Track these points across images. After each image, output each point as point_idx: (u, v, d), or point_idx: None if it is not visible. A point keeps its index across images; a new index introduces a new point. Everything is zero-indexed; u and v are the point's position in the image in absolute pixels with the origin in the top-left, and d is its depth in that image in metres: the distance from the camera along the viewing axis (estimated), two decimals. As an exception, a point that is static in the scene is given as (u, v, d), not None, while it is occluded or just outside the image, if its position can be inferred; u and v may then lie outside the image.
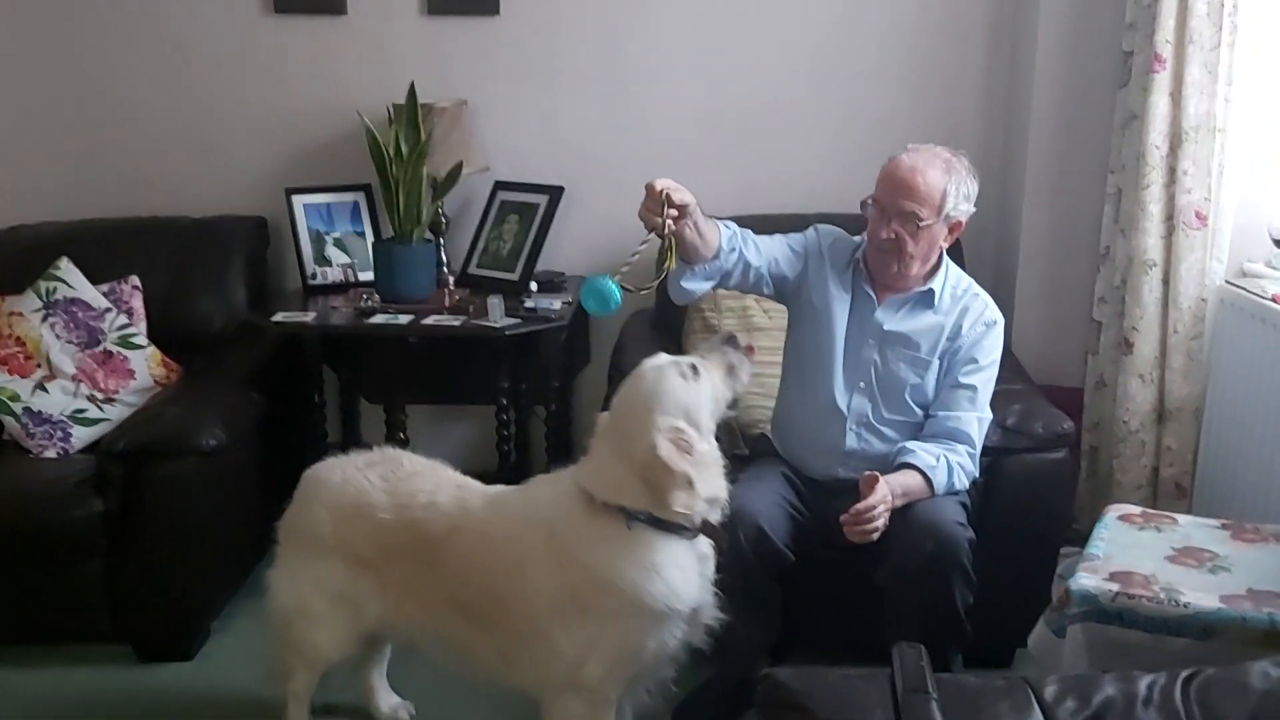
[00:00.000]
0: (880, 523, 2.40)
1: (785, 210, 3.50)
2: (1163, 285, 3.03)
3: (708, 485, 2.18)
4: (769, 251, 2.66)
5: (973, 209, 2.60)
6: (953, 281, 2.67)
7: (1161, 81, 2.94)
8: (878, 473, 2.43)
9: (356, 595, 2.38)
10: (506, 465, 3.49)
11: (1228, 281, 3.02)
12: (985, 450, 2.66)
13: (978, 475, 2.61)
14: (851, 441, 2.64)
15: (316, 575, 2.40)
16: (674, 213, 2.34)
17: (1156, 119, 2.95)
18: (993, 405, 2.68)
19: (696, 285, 2.56)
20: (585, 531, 2.19)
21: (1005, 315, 3.33)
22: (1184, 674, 1.57)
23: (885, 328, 2.63)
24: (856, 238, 2.75)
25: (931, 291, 2.63)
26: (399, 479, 2.38)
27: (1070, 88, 3.31)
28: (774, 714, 1.54)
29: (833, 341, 2.66)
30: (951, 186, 2.53)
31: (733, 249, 2.56)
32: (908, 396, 2.63)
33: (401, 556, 2.33)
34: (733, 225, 2.60)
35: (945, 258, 2.67)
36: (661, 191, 2.32)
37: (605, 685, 2.24)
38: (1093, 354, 3.29)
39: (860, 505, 2.39)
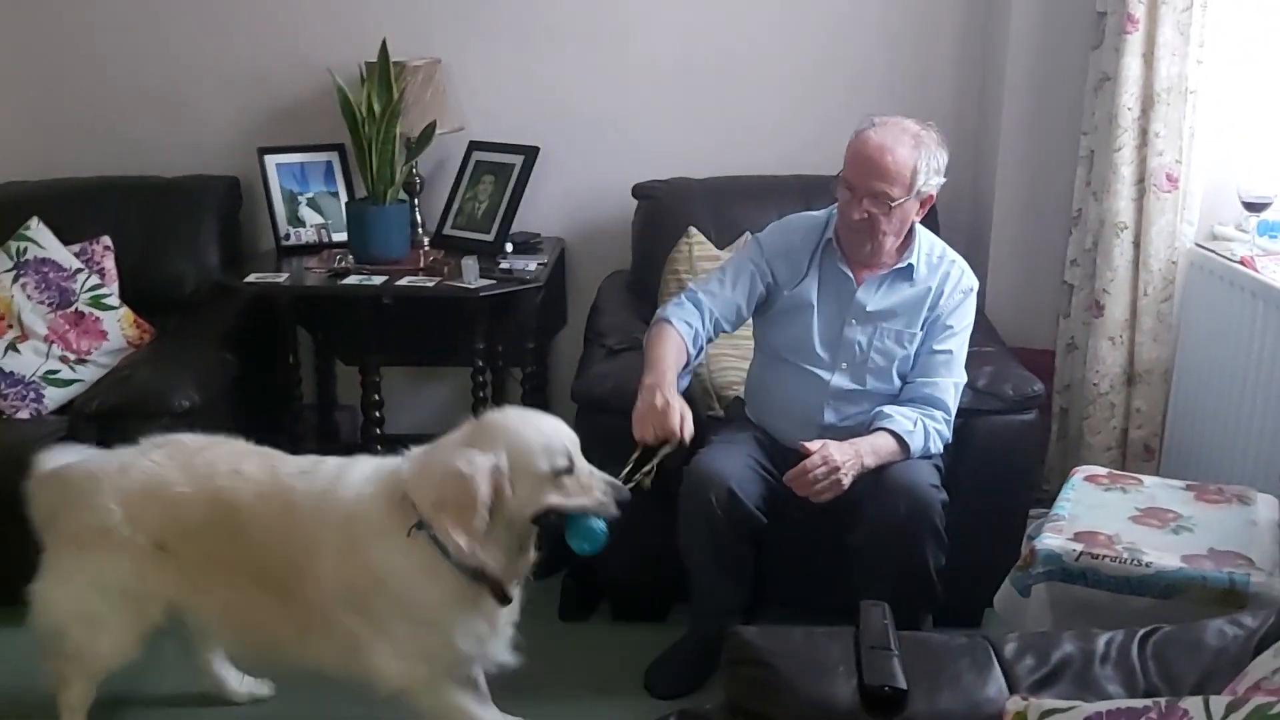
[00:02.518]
0: (834, 479, 2.41)
1: (761, 171, 3.51)
2: (1134, 248, 3.05)
3: (480, 536, 2.05)
4: (730, 305, 2.65)
5: (943, 180, 2.58)
6: (926, 249, 2.66)
7: (1134, 43, 2.94)
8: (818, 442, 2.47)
9: (144, 588, 2.29)
10: (482, 426, 3.50)
11: (1198, 244, 3.04)
12: (956, 412, 2.68)
13: (950, 440, 2.63)
14: (829, 416, 2.64)
15: (96, 575, 2.29)
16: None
17: (1129, 80, 2.96)
18: (965, 368, 2.70)
19: (680, 385, 2.56)
20: (377, 524, 2.12)
21: (979, 278, 3.35)
22: (1141, 632, 1.61)
23: (869, 308, 2.62)
24: (817, 213, 2.73)
25: (910, 266, 2.62)
26: (189, 454, 2.30)
27: (1044, 48, 3.30)
28: (739, 670, 1.58)
29: (809, 329, 2.66)
30: (922, 162, 2.50)
31: (699, 349, 2.64)
32: (894, 370, 2.64)
33: (203, 532, 2.24)
34: (692, 319, 2.60)
35: (916, 226, 2.66)
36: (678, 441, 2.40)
37: (413, 681, 2.20)
38: (1064, 316, 3.31)
39: (796, 469, 2.43)
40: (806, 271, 2.67)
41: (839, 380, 2.64)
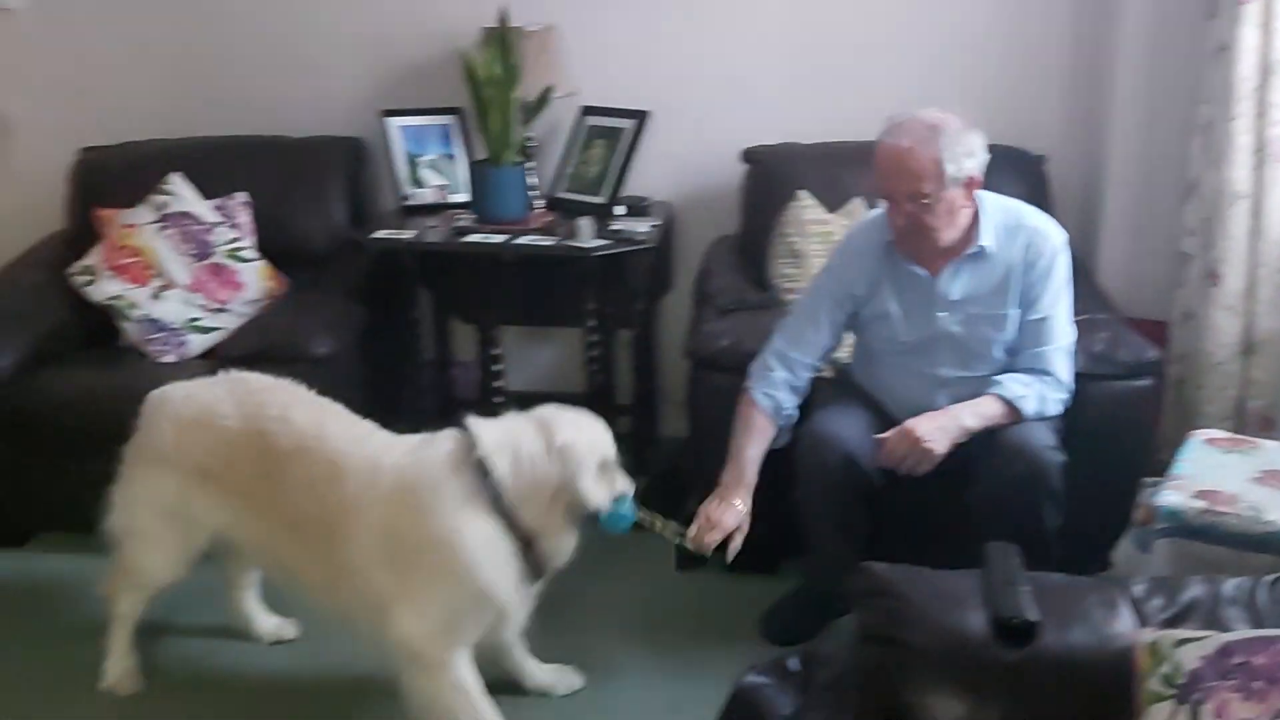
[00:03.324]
0: (922, 450, 2.48)
1: (871, 137, 3.51)
2: (1251, 217, 3.03)
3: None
4: (817, 346, 2.71)
5: (983, 158, 2.54)
6: (1000, 220, 2.61)
7: (1251, 13, 2.91)
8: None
9: (192, 510, 2.43)
10: (593, 386, 3.60)
11: (1319, 214, 3.01)
12: (1072, 372, 2.65)
13: (1069, 403, 2.62)
14: (943, 402, 2.63)
15: (152, 492, 2.46)
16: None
17: (1246, 50, 2.93)
18: (1078, 333, 2.69)
19: (781, 441, 2.69)
20: (443, 488, 2.21)
21: (1091, 247, 3.35)
22: (1270, 577, 1.64)
23: (953, 297, 2.61)
24: (872, 217, 2.73)
25: (984, 248, 2.59)
26: (247, 392, 2.44)
27: (1160, 16, 3.27)
28: (871, 600, 1.64)
29: (895, 333, 2.67)
30: (944, 151, 2.46)
31: (789, 418, 2.70)
32: (996, 352, 2.64)
33: (242, 468, 2.38)
34: (775, 390, 2.67)
35: (981, 201, 2.60)
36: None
37: (435, 649, 2.25)
38: (1179, 286, 3.29)
39: (881, 454, 2.53)
40: (879, 281, 2.67)
41: (945, 371, 2.65)
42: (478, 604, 2.25)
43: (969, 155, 2.50)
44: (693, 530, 2.54)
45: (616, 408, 3.76)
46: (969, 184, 2.53)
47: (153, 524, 2.48)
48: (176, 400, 2.48)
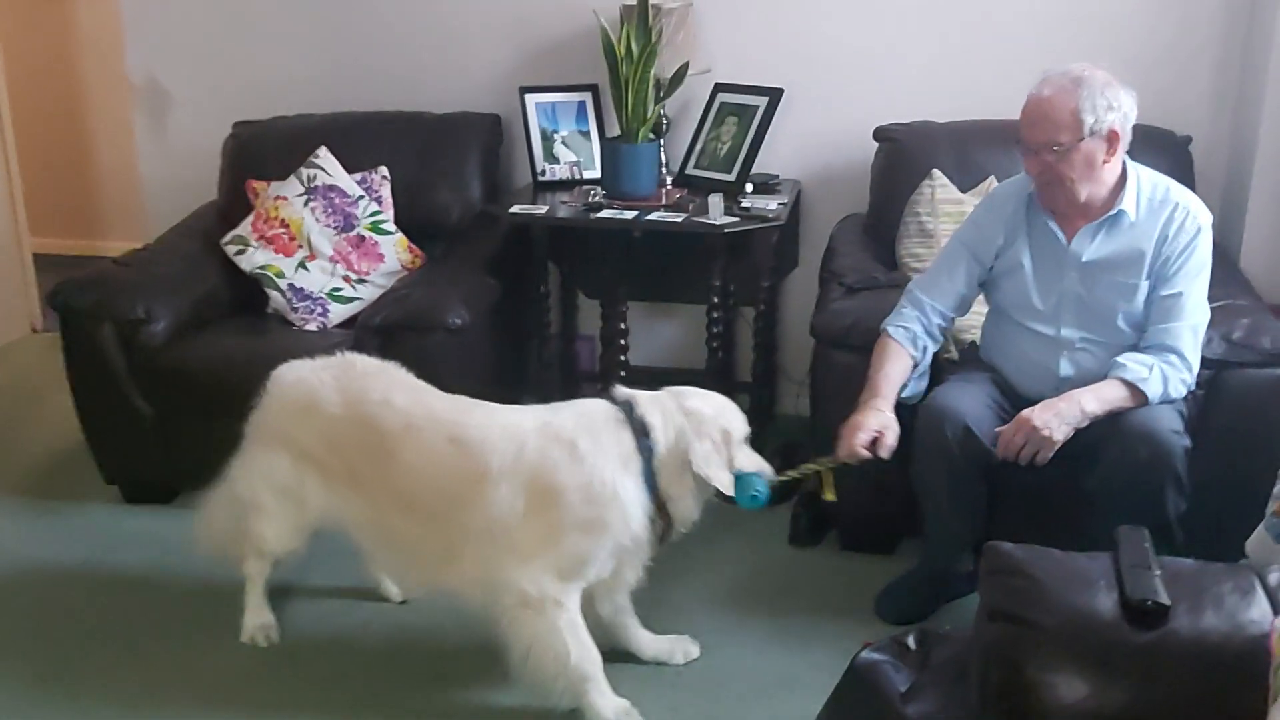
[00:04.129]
0: (1040, 439, 2.47)
1: (1006, 115, 3.46)
2: None
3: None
4: (953, 295, 2.75)
5: (1129, 115, 2.51)
6: (1147, 193, 2.59)
7: None
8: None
9: (300, 490, 2.53)
10: (714, 362, 3.63)
11: None
12: (1207, 363, 2.63)
13: (1194, 386, 2.58)
14: (1066, 369, 2.64)
15: (266, 469, 2.56)
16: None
17: None
18: (1218, 319, 2.65)
19: (916, 388, 2.73)
20: (602, 442, 2.32)
21: (1234, 231, 3.25)
22: None
23: (1084, 259, 2.60)
24: (1023, 175, 2.71)
25: (1123, 212, 2.57)
26: (350, 379, 2.51)
27: (1320, -7, 3.16)
28: (1000, 579, 1.65)
29: (1026, 287, 2.67)
30: (1085, 101, 2.46)
31: (923, 349, 2.72)
32: (1120, 321, 2.61)
33: (348, 451, 2.46)
34: (910, 324, 2.72)
35: (1131, 170, 2.59)
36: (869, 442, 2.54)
37: (556, 590, 2.31)
38: (1327, 272, 3.19)
39: (999, 445, 2.53)
40: (1016, 233, 2.68)
41: (1067, 333, 2.64)
42: (613, 554, 2.35)
43: (1110, 109, 2.49)
44: (840, 450, 2.55)
45: (736, 384, 3.80)
46: (1110, 138, 2.51)
47: (269, 498, 2.58)
48: (286, 383, 2.58)
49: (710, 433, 2.37)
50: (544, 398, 2.55)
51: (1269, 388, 2.72)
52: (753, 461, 2.44)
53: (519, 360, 3.67)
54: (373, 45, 3.91)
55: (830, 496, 2.57)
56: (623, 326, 3.63)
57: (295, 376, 2.59)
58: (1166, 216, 2.57)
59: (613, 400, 2.41)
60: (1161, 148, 3.20)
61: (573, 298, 3.96)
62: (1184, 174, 3.20)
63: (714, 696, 2.53)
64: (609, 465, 2.30)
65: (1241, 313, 2.80)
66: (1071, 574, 1.64)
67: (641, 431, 2.34)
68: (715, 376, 3.64)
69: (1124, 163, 2.59)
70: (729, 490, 2.38)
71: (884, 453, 2.54)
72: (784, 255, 3.70)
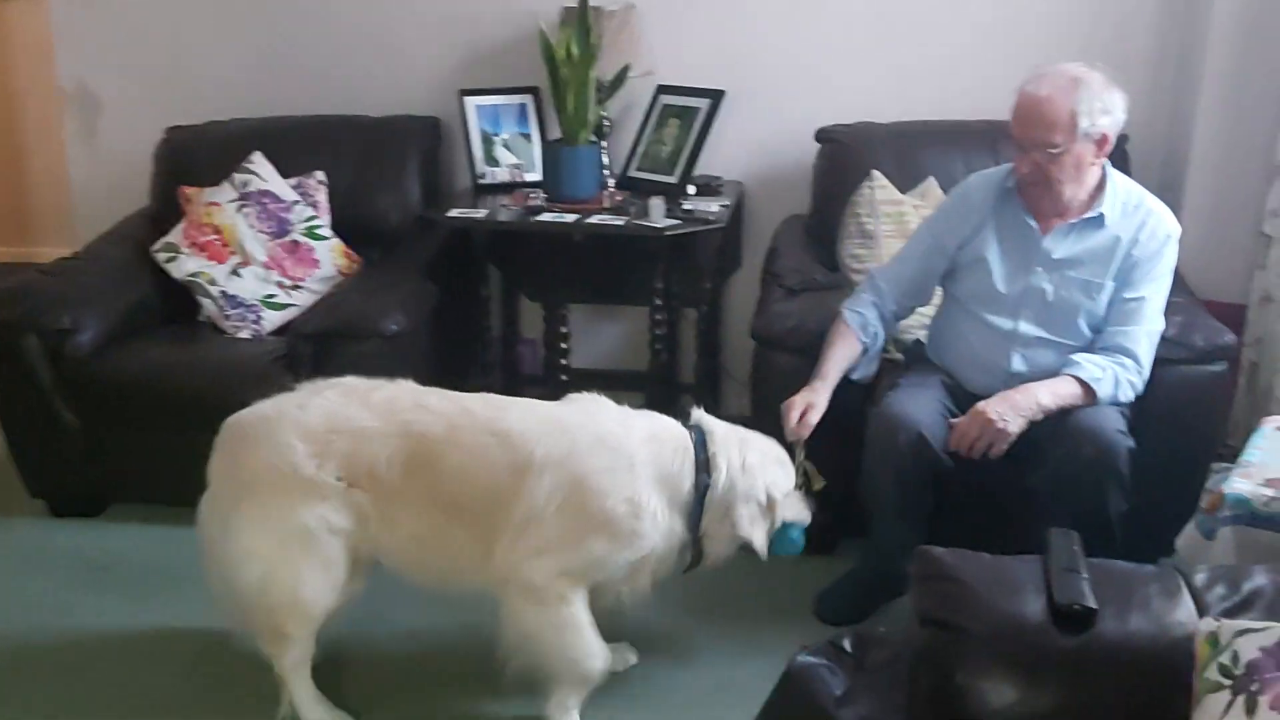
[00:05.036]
0: (996, 431, 2.48)
1: (948, 116, 3.49)
2: (1339, 200, 2.96)
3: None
4: (913, 284, 2.78)
5: (1120, 119, 2.54)
6: (1122, 197, 2.62)
7: (1351, -13, 2.83)
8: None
9: (332, 525, 2.26)
10: (658, 365, 3.62)
11: None
12: (1152, 361, 2.63)
13: (1142, 391, 2.60)
14: (1017, 364, 2.65)
15: (286, 517, 2.25)
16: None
17: (1343, 27, 2.85)
18: (1159, 317, 2.67)
19: (867, 370, 2.75)
20: (661, 461, 2.31)
21: (1171, 228, 3.25)
22: (1338, 569, 1.61)
23: (1055, 255, 2.62)
24: (997, 169, 2.73)
25: (1101, 215, 2.59)
26: (365, 393, 2.34)
27: (1252, -8, 3.20)
28: (930, 584, 1.64)
29: (989, 279, 2.68)
30: (1081, 104, 2.47)
31: (875, 337, 2.75)
32: (1081, 321, 2.63)
33: (392, 466, 2.27)
34: (864, 308, 2.74)
35: (1110, 173, 2.62)
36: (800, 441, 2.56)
37: (559, 583, 2.28)
38: (1259, 269, 3.22)
39: (953, 437, 2.54)
40: (983, 224, 2.69)
41: (1025, 327, 2.64)
42: (631, 567, 2.32)
43: (1105, 112, 2.51)
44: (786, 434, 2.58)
45: (680, 386, 3.79)
46: (1100, 142, 2.54)
47: (301, 550, 2.27)
48: (292, 412, 2.31)
49: (759, 494, 2.37)
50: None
51: (1201, 385, 2.75)
52: (794, 511, 2.46)
53: (460, 365, 3.63)
54: (309, 48, 3.85)
55: (819, 485, 2.54)
56: (564, 330, 3.61)
57: (297, 404, 2.33)
58: (1139, 222, 2.60)
59: (688, 425, 2.40)
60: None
61: (515, 301, 3.93)
62: (1121, 172, 3.21)
63: (653, 706, 2.51)
64: (657, 489, 2.29)
65: (1176, 310, 2.82)
66: (1001, 578, 1.63)
67: (704, 468, 2.33)
68: (658, 378, 3.64)
69: (1103, 165, 2.61)
70: (764, 553, 2.42)
71: (803, 430, 2.55)
72: (726, 257, 3.69)
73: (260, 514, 2.27)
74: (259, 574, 2.27)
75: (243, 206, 3.43)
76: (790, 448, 2.54)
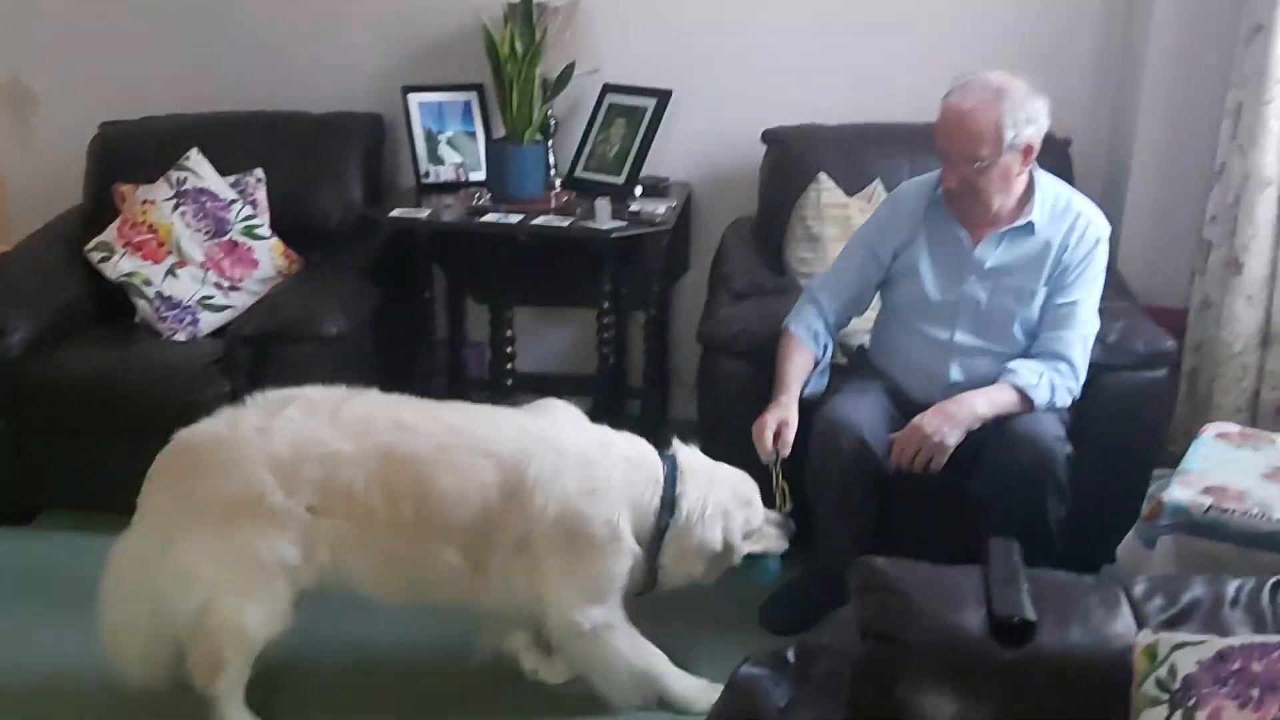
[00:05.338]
0: (934, 445, 2.49)
1: (893, 119, 3.48)
2: (1278, 205, 2.98)
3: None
4: (850, 296, 2.77)
5: (1044, 125, 2.53)
6: (1050, 200, 2.62)
7: (1289, -7, 2.85)
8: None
9: (298, 555, 2.20)
10: (605, 367, 3.59)
11: (1345, 203, 2.96)
12: (1088, 364, 2.64)
13: (1079, 395, 2.61)
14: (956, 374, 2.65)
15: (244, 547, 2.17)
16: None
17: (1283, 32, 2.88)
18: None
19: (817, 385, 2.73)
20: (632, 488, 2.33)
21: (1112, 233, 3.28)
22: (1273, 579, 1.62)
23: (987, 265, 2.62)
24: (927, 176, 2.73)
25: (1030, 224, 2.59)
26: (328, 410, 2.24)
27: (1192, -3, 3.22)
28: (871, 596, 1.63)
29: (922, 289, 2.67)
30: (1006, 116, 2.46)
31: (824, 346, 2.75)
32: (1016, 328, 2.63)
33: (370, 489, 2.20)
34: (813, 322, 2.74)
35: (1038, 178, 2.62)
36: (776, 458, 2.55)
37: (599, 615, 2.33)
38: (1199, 274, 3.25)
39: (893, 453, 2.55)
40: (915, 234, 2.68)
41: (961, 337, 2.65)
42: (628, 574, 2.35)
43: (1030, 122, 2.49)
44: (760, 453, 2.57)
45: (628, 390, 3.76)
46: (1026, 151, 2.53)
47: (250, 579, 2.20)
48: (255, 439, 2.20)
49: (714, 545, 2.38)
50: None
51: (1142, 391, 2.76)
52: (766, 542, 2.47)
53: (403, 368, 3.58)
54: (248, 42, 3.77)
55: (787, 507, 2.55)
56: (509, 333, 3.56)
57: (256, 426, 2.21)
58: (1069, 225, 2.60)
59: (664, 455, 2.42)
60: (1042, 150, 3.21)
61: (460, 302, 3.88)
62: (1063, 176, 3.19)
63: (595, 717, 2.49)
64: (627, 512, 2.31)
65: (1117, 315, 2.84)
66: (942, 589, 1.62)
67: (669, 506, 2.34)
68: (606, 382, 3.61)
69: (1030, 170, 2.60)
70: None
71: (783, 448, 2.54)
72: (674, 259, 3.67)
73: (212, 542, 2.19)
74: (200, 601, 2.20)
75: (179, 205, 3.36)
76: (766, 468, 2.55)
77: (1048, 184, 2.64)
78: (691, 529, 2.35)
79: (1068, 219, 2.60)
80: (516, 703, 2.52)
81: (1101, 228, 2.63)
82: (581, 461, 2.29)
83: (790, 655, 1.90)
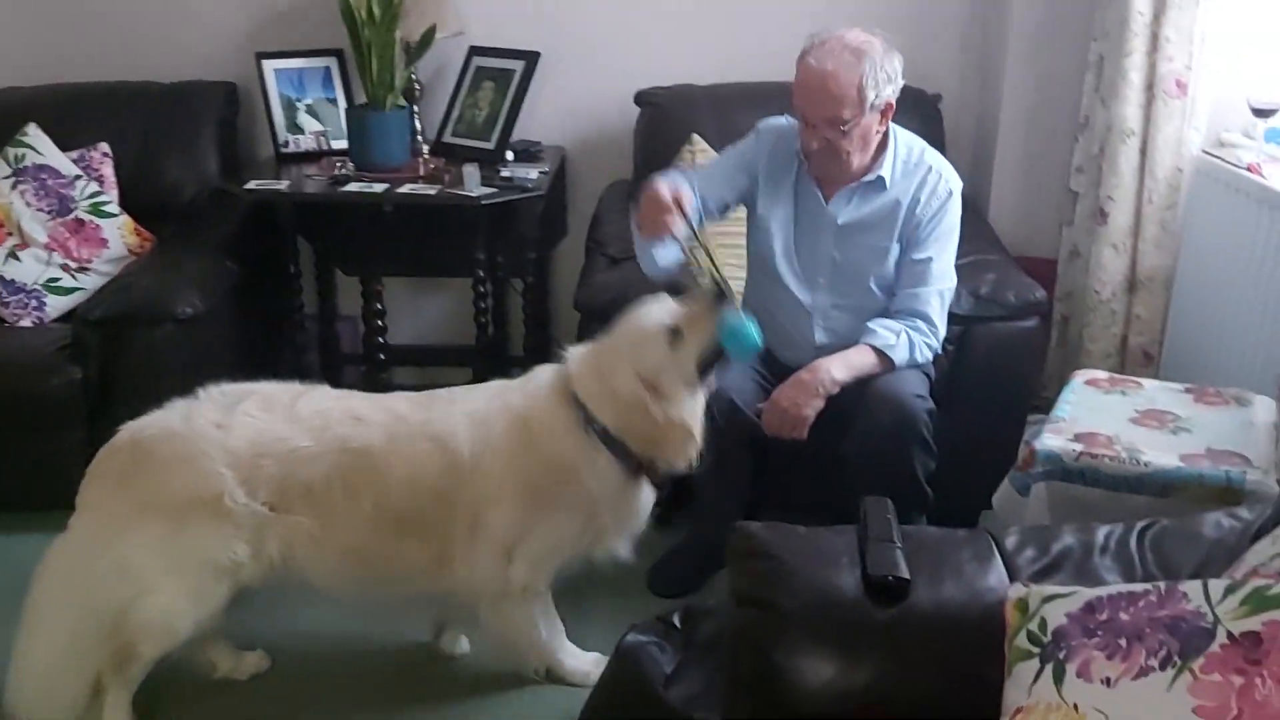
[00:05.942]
0: (795, 417, 2.47)
1: (766, 78, 3.45)
2: (1140, 155, 3.03)
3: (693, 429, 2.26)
4: (716, 192, 2.63)
5: (900, 84, 2.49)
6: (903, 156, 2.59)
7: (1145, -54, 2.89)
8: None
9: (248, 553, 2.15)
10: (485, 338, 3.51)
11: (1204, 151, 3.02)
12: (956, 319, 2.68)
13: (940, 350, 2.62)
14: (820, 336, 2.64)
15: (197, 548, 2.12)
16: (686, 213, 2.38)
17: (1141, -16, 2.91)
18: (966, 275, 2.69)
19: (667, 253, 2.53)
20: (552, 422, 2.23)
21: (983, 186, 3.33)
22: (1140, 524, 1.64)
23: (840, 221, 2.59)
24: (791, 126, 2.66)
25: (881, 178, 2.56)
26: (285, 405, 2.21)
27: (1055, -47, 3.25)
28: (746, 562, 1.60)
29: (776, 246, 2.64)
30: (868, 77, 2.42)
31: (696, 211, 2.57)
32: (872, 284, 2.61)
33: (330, 485, 2.17)
34: (679, 182, 2.55)
35: (893, 132, 2.58)
36: (673, 201, 2.35)
37: (534, 579, 2.29)
38: (1067, 224, 3.30)
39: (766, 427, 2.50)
40: (779, 189, 2.64)
41: (821, 297, 2.63)
42: (587, 527, 2.29)
43: (889, 81, 2.46)
44: (650, 229, 2.41)
45: (509, 359, 3.68)
46: (885, 110, 2.50)
47: (181, 581, 2.14)
48: (214, 435, 2.14)
49: (636, 404, 2.19)
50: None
51: (1015, 341, 2.79)
52: (699, 326, 2.23)
53: (270, 346, 3.45)
54: (90, 10, 3.58)
55: (719, 273, 2.37)
56: (380, 306, 3.45)
57: (214, 422, 2.15)
58: (920, 180, 2.57)
59: (559, 371, 2.31)
60: (913, 106, 3.21)
61: (330, 276, 3.75)
62: (934, 131, 3.25)
63: (482, 690, 2.45)
64: (558, 442, 2.22)
65: (989, 268, 2.87)
66: (816, 552, 1.59)
67: (580, 405, 2.23)
68: (486, 352, 3.53)
69: (885, 131, 2.58)
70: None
71: (688, 209, 2.38)
72: (551, 225, 3.60)
73: (160, 539, 2.12)
74: (133, 593, 2.12)
75: (18, 183, 3.18)
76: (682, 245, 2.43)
77: (903, 138, 2.61)
78: (616, 419, 2.21)
79: (919, 174, 2.58)
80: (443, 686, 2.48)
81: (954, 182, 2.60)
82: (513, 422, 2.24)
83: (676, 620, 1.88)
